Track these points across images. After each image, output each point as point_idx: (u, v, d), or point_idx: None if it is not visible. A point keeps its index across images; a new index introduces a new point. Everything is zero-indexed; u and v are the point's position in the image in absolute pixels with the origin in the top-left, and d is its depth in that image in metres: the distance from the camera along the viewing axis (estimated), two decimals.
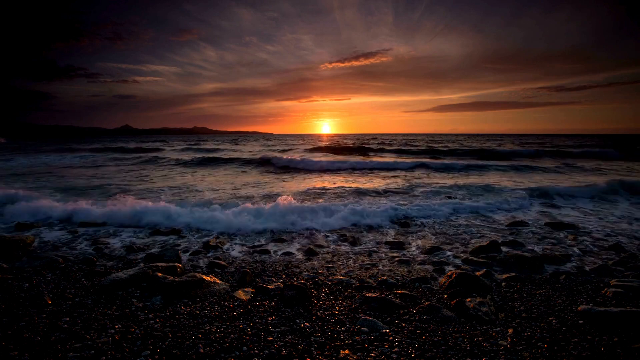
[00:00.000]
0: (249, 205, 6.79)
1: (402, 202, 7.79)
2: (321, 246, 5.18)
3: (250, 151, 27.71)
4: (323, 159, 19.85)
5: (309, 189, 10.10)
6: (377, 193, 9.46)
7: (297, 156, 20.80)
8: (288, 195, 7.85)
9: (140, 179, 12.63)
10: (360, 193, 9.38)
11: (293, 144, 40.49)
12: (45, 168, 16.66)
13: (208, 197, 8.45)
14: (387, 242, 5.29)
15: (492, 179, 12.60)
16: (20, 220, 6.10)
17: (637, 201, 8.48)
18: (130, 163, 19.43)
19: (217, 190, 9.96)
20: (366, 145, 32.54)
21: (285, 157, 19.77)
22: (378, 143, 39.05)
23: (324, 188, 10.27)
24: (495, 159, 20.60)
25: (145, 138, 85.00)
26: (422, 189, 9.99)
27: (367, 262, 4.45)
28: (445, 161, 18.98)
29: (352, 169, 16.03)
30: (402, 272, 4.09)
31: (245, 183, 11.67)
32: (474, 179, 12.50)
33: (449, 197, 8.63)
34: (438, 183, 11.29)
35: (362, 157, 22.35)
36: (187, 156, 23.22)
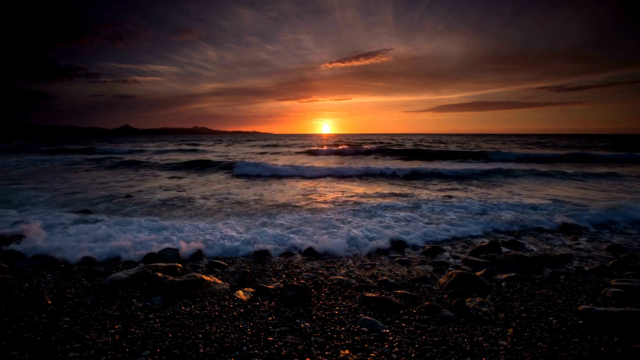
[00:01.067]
0: None
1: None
2: None
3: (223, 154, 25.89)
4: (309, 163, 17.55)
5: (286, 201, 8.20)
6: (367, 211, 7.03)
7: (283, 162, 18.70)
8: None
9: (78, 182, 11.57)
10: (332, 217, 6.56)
11: (286, 145, 38.12)
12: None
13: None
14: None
15: (515, 187, 10.51)
16: None
17: None
18: (90, 167, 17.37)
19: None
20: (368, 147, 28.87)
21: (270, 162, 16.90)
22: (380, 144, 36.85)
23: (288, 203, 8.14)
24: (516, 162, 18.34)
25: (143, 138, 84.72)
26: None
27: (367, 262, 4.45)
28: (458, 166, 15.34)
29: (340, 176, 13.32)
30: (402, 272, 4.09)
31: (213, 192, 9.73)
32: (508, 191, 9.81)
33: None
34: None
35: (358, 161, 19.59)
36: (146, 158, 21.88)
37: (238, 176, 13.67)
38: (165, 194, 9.29)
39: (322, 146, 32.86)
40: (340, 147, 30.19)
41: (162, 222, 5.90)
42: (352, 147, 30.17)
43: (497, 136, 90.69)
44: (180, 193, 9.37)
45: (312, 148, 29.58)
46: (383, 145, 34.29)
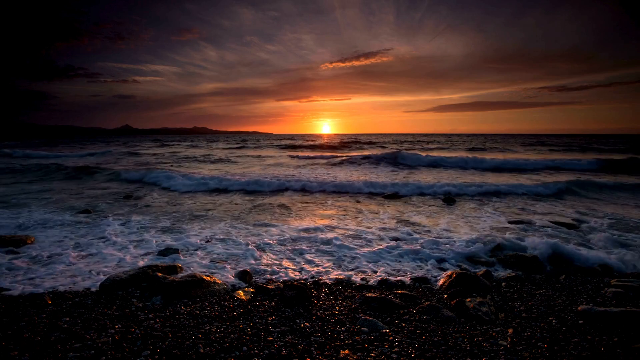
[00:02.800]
0: None
1: None
2: None
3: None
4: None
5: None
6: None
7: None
8: None
9: None
10: None
11: (268, 146, 33.78)
12: None
13: None
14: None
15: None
16: None
17: None
18: None
19: None
20: (364, 152, 24.47)
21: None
22: (382, 144, 34.25)
23: None
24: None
25: (141, 138, 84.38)
26: None
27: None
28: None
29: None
30: None
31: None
32: None
33: None
34: None
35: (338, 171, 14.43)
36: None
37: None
38: None
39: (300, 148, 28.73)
40: (320, 153, 24.95)
41: None
42: (331, 151, 25.90)
43: (499, 136, 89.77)
44: None
45: (291, 153, 25.33)
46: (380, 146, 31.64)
